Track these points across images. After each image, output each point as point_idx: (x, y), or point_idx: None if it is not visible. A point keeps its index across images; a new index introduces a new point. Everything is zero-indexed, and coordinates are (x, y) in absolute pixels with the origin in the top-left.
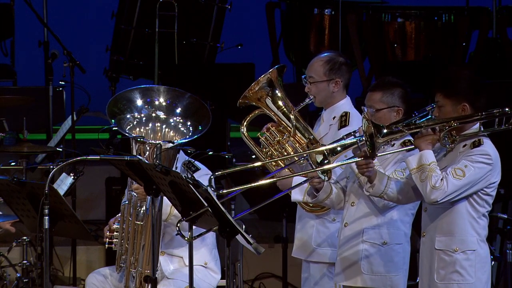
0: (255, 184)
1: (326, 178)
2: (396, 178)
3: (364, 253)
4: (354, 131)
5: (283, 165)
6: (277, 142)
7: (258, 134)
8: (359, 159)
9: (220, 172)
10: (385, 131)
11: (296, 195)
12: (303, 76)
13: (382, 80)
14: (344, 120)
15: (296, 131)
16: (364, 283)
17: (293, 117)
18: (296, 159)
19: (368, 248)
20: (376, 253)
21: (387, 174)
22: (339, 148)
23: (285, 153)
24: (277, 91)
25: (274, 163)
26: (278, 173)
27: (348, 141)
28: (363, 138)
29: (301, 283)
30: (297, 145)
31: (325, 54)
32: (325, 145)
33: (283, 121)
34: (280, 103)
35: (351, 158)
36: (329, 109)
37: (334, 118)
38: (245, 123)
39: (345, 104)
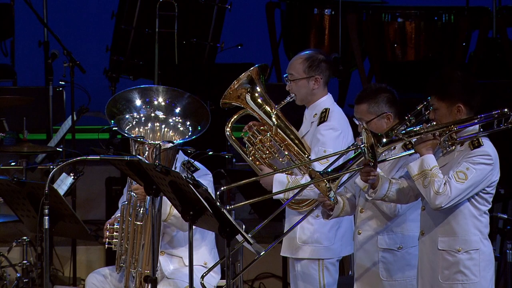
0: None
1: (335, 202)
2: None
3: (381, 259)
4: (353, 144)
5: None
6: (259, 141)
7: (242, 133)
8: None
9: (226, 187)
10: (384, 140)
11: (278, 194)
12: (284, 76)
13: (364, 90)
14: (323, 116)
15: (278, 129)
16: None
17: (274, 115)
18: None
19: (384, 254)
20: (393, 258)
21: (390, 178)
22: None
23: (267, 152)
24: (257, 89)
25: (257, 162)
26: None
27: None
28: (363, 147)
29: (290, 280)
30: (279, 143)
31: (305, 52)
32: (322, 173)
33: (265, 120)
34: (261, 101)
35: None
36: (310, 107)
37: (315, 115)
38: (229, 125)
39: (326, 101)
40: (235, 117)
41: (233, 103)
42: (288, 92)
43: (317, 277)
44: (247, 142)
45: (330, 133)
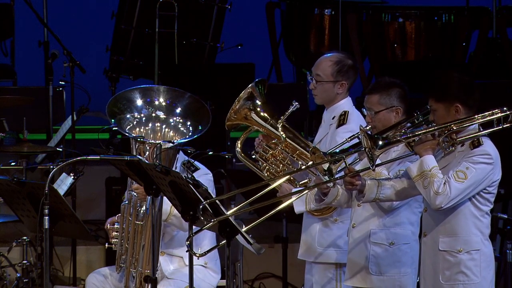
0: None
1: (332, 185)
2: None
3: (372, 254)
4: (356, 133)
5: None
6: (271, 156)
7: (253, 152)
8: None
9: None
10: (380, 143)
11: (299, 207)
12: (307, 72)
13: (378, 82)
14: (342, 119)
15: (288, 140)
16: (373, 284)
17: (280, 127)
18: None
19: (375, 249)
20: (384, 253)
21: (378, 180)
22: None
23: (281, 165)
24: (259, 103)
25: (270, 174)
26: (280, 189)
27: (348, 145)
28: (362, 149)
29: (304, 283)
30: (291, 154)
31: (334, 54)
32: (326, 154)
33: (274, 133)
34: (266, 115)
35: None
36: (329, 109)
37: (333, 118)
38: (239, 145)
39: (345, 104)
40: (243, 136)
41: (238, 123)
42: (309, 90)
43: (334, 283)
44: (259, 159)
45: (348, 136)
